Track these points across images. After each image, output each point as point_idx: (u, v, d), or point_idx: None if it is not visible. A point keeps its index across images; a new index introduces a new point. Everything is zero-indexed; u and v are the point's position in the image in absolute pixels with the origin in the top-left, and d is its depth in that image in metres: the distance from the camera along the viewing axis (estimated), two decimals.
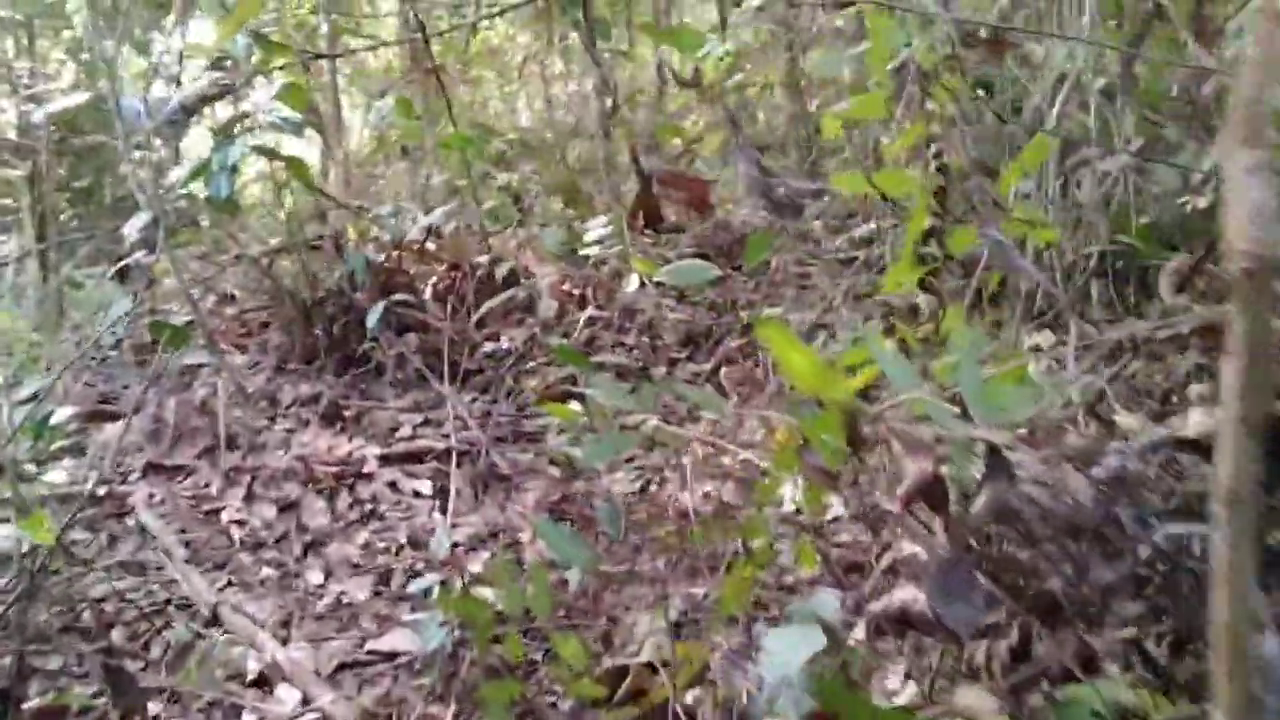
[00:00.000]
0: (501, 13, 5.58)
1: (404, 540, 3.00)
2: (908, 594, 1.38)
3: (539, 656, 2.37)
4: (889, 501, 1.44)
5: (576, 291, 4.63)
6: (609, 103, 5.58)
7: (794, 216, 2.80)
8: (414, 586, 2.49)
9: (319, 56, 4.75)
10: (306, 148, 5.77)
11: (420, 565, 2.85)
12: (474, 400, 3.94)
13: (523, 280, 4.86)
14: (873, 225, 5.50)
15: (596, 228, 4.05)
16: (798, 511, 2.97)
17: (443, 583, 2.27)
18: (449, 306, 4.26)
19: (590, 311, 4.26)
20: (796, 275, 5.10)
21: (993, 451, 1.33)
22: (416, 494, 3.28)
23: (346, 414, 3.84)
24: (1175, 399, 2.48)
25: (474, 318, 4.21)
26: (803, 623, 1.32)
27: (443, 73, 4.94)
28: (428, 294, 4.47)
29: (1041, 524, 1.21)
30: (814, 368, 1.41)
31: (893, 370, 1.41)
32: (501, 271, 4.76)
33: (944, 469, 1.35)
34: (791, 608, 1.40)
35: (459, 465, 3.35)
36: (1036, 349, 2.06)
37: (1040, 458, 1.32)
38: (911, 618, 1.38)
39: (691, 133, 5.92)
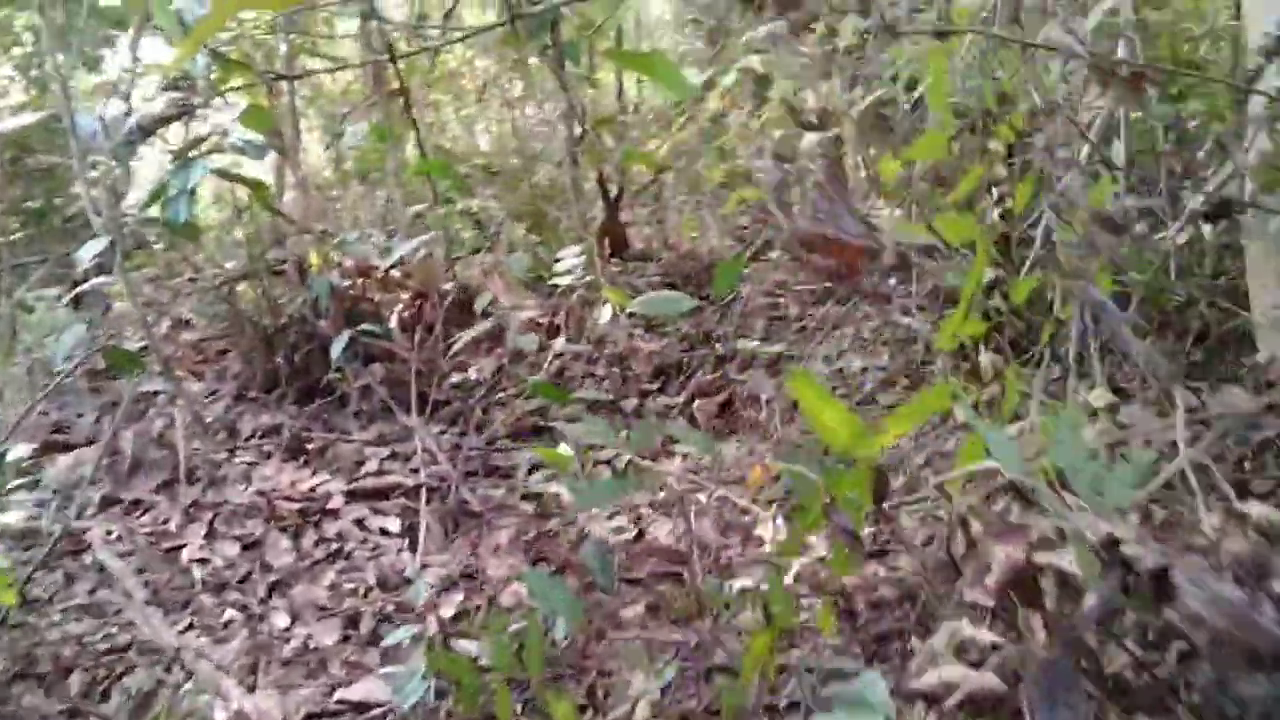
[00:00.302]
0: (469, 36, 5.52)
1: (372, 581, 2.91)
2: (955, 673, 1.32)
3: (519, 708, 2.30)
4: (975, 591, 1.38)
5: (545, 321, 4.57)
6: (577, 128, 5.54)
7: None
8: (390, 639, 2.41)
9: (280, 78, 4.66)
10: (263, 170, 5.65)
11: (390, 609, 2.76)
12: (442, 433, 3.86)
13: (490, 309, 4.80)
14: None
15: (568, 257, 3.99)
16: (797, 579, 2.92)
17: (417, 637, 2.19)
18: (415, 336, 4.18)
19: (561, 342, 4.20)
20: (766, 306, 5.08)
21: (1109, 545, 1.23)
22: (384, 532, 3.19)
23: (310, 446, 3.74)
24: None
25: (442, 348, 4.14)
26: (853, 710, 1.26)
27: (408, 96, 4.86)
28: (393, 322, 4.38)
29: (1214, 649, 1.11)
30: (846, 424, 1.37)
31: (998, 449, 1.34)
32: (468, 300, 4.70)
33: (1041, 558, 1.30)
34: (836, 691, 1.34)
35: (428, 502, 3.27)
36: (1093, 412, 2.00)
37: (1195, 565, 1.20)
38: (978, 700, 1.31)
39: (660, 160, 5.89)
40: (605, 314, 3.98)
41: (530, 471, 3.51)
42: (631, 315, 4.14)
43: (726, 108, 5.06)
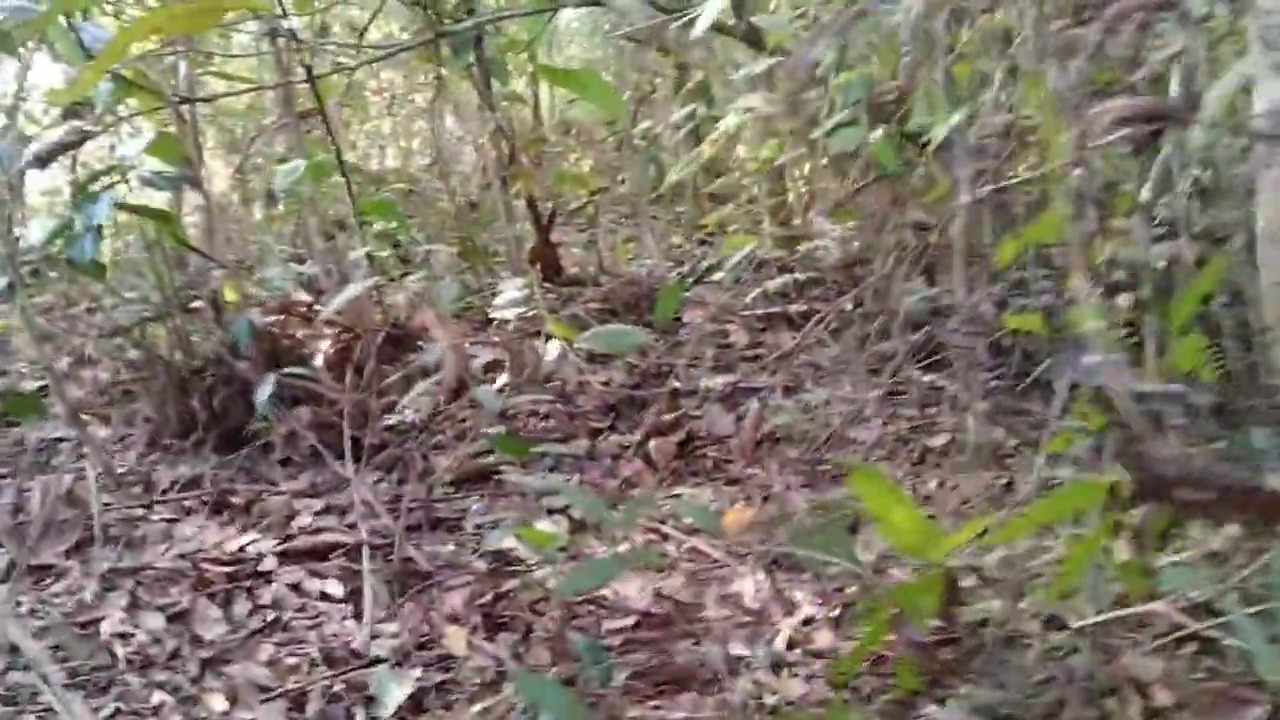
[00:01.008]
0: (391, 55, 5.31)
1: (316, 655, 2.68)
2: None
3: None
4: None
5: (483, 356, 4.37)
6: (506, 149, 5.35)
7: None
8: None
9: (187, 100, 4.40)
10: (168, 199, 5.35)
11: (339, 687, 2.54)
12: (379, 481, 3.64)
13: (421, 343, 4.58)
14: (788, 278, 5.40)
15: (509, 289, 3.81)
16: (762, 609, 2.77)
17: None
18: (345, 375, 3.94)
19: (504, 378, 4.01)
20: (713, 333, 4.94)
21: None
22: (325, 596, 2.96)
23: (235, 500, 3.49)
24: None
25: (375, 388, 3.92)
26: None
27: (327, 117, 4.62)
28: (319, 361, 4.15)
29: None
30: (917, 526, 1.22)
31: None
32: (399, 335, 4.49)
33: None
34: None
35: (370, 560, 3.05)
36: None
37: None
38: None
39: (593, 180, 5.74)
40: (552, 350, 3.80)
41: (479, 523, 3.31)
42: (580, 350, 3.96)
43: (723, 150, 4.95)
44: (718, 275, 5.62)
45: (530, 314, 3.86)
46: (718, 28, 4.70)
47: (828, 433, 3.79)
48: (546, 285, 5.60)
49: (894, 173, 4.33)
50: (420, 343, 4.57)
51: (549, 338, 3.97)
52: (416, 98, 8.51)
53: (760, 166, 5.80)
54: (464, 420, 3.98)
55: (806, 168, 6.70)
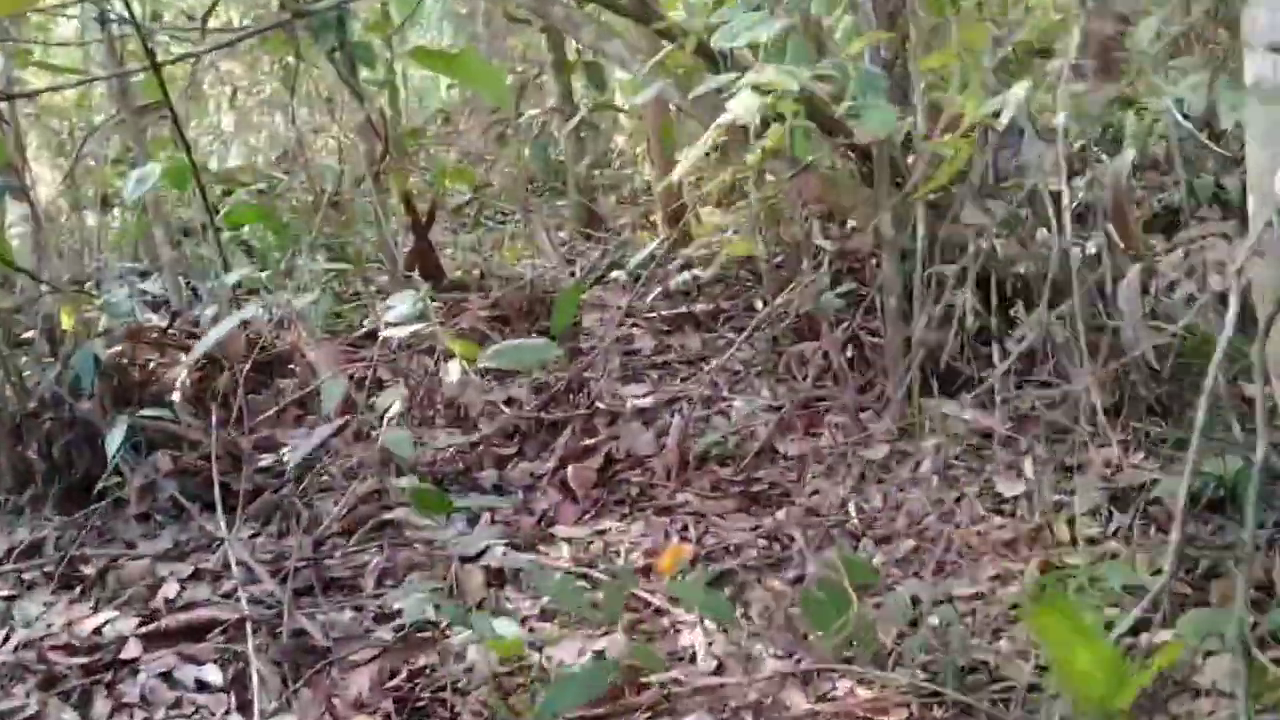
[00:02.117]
0: (241, 39, 4.85)
1: None
2: None
3: None
4: None
5: (366, 376, 3.99)
6: (378, 144, 4.95)
7: None
8: None
9: (6, 97, 3.90)
10: None
11: None
12: (256, 536, 3.24)
13: (293, 366, 4.17)
14: (688, 275, 5.14)
15: (399, 303, 3.42)
16: (719, 668, 2.48)
17: None
18: (209, 410, 3.52)
19: (396, 406, 3.63)
20: (617, 339, 4.64)
21: None
22: (202, 686, 2.56)
23: (86, 570, 3.05)
24: None
25: (245, 424, 3.51)
26: None
27: (174, 110, 4.15)
28: (177, 396, 3.70)
29: None
30: (1108, 668, 0.93)
31: None
32: (267, 359, 4.08)
33: None
34: None
35: (255, 635, 2.66)
36: None
37: None
38: None
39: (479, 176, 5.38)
40: (452, 371, 3.44)
41: (380, 580, 2.95)
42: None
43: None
44: (615, 274, 5.33)
45: (421, 329, 3.48)
46: (606, 3, 4.39)
47: (756, 446, 3.53)
48: (429, 292, 5.21)
49: (809, 164, 4.08)
50: (292, 366, 4.16)
51: (447, 357, 3.61)
52: (262, 89, 8.00)
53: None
54: (350, 455, 3.59)
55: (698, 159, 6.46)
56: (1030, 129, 2.97)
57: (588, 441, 3.60)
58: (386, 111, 4.91)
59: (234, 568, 2.93)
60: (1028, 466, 3.15)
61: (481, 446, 3.63)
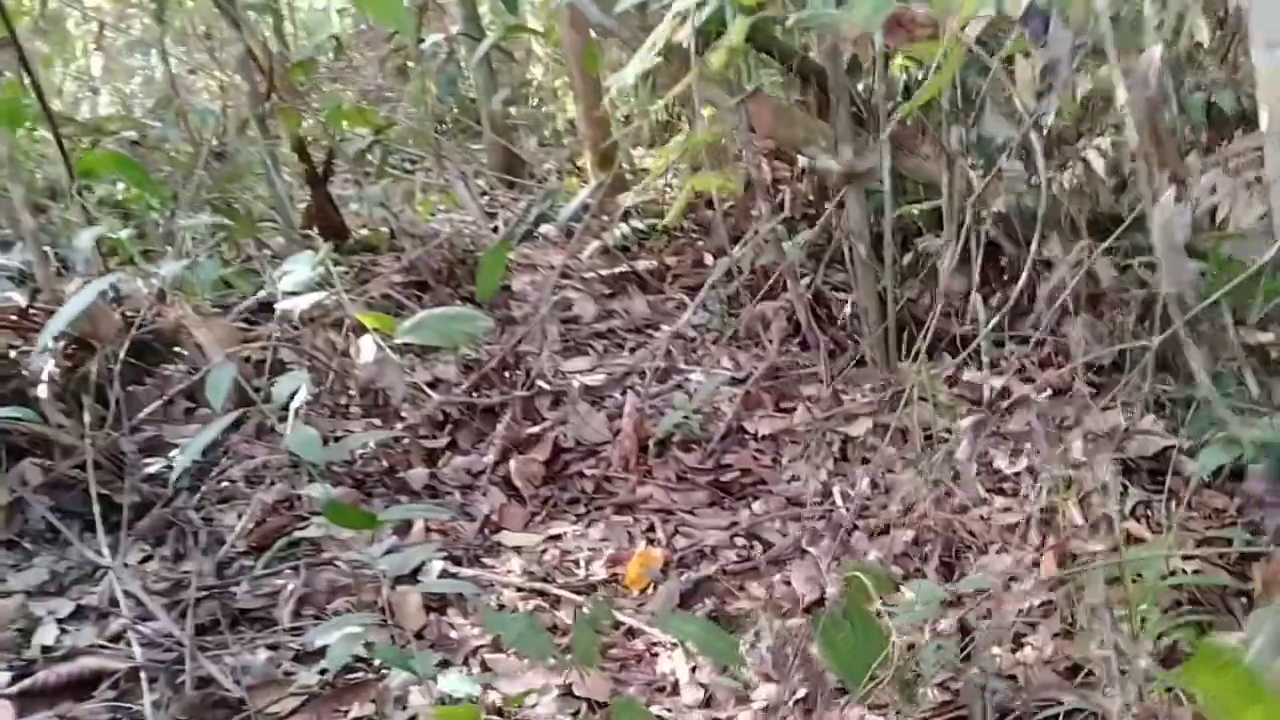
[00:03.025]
0: None
1: None
2: None
3: None
4: None
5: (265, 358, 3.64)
6: (262, 81, 4.54)
7: None
8: None
9: None
10: None
11: None
12: (147, 560, 2.90)
13: (179, 350, 3.81)
14: (626, 228, 4.84)
15: (296, 268, 3.06)
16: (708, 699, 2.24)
17: None
18: (82, 407, 3.17)
19: (302, 394, 3.30)
20: (553, 305, 4.33)
21: None
22: None
23: None
24: None
25: (126, 423, 3.16)
26: None
27: (21, 50, 3.72)
28: (43, 391, 3.32)
29: None
30: None
31: None
32: (149, 338, 3.71)
33: None
34: None
35: (152, 687, 2.35)
36: None
37: None
38: None
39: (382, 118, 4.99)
40: (365, 349, 3.11)
41: (299, 610, 2.64)
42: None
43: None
44: (545, 228, 5.01)
45: (323, 298, 3.13)
46: None
47: (723, 427, 3.26)
48: (333, 252, 4.84)
49: (755, 90, 3.80)
50: (177, 349, 3.79)
51: (358, 332, 3.28)
52: (131, 25, 7.48)
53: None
54: (253, 456, 3.26)
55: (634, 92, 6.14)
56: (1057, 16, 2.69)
57: (531, 429, 3.31)
58: (271, 44, 4.49)
59: (122, 603, 2.60)
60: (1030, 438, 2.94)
61: (407, 439, 3.32)
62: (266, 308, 4.49)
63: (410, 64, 6.17)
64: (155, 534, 2.98)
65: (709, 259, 4.55)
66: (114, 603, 2.63)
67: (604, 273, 4.51)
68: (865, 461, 2.99)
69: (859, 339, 3.60)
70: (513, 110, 6.72)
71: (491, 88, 6.00)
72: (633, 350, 4.00)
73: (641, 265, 4.53)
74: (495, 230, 4.91)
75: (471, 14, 5.94)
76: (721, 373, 3.66)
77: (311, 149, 4.98)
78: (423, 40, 4.98)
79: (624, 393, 3.65)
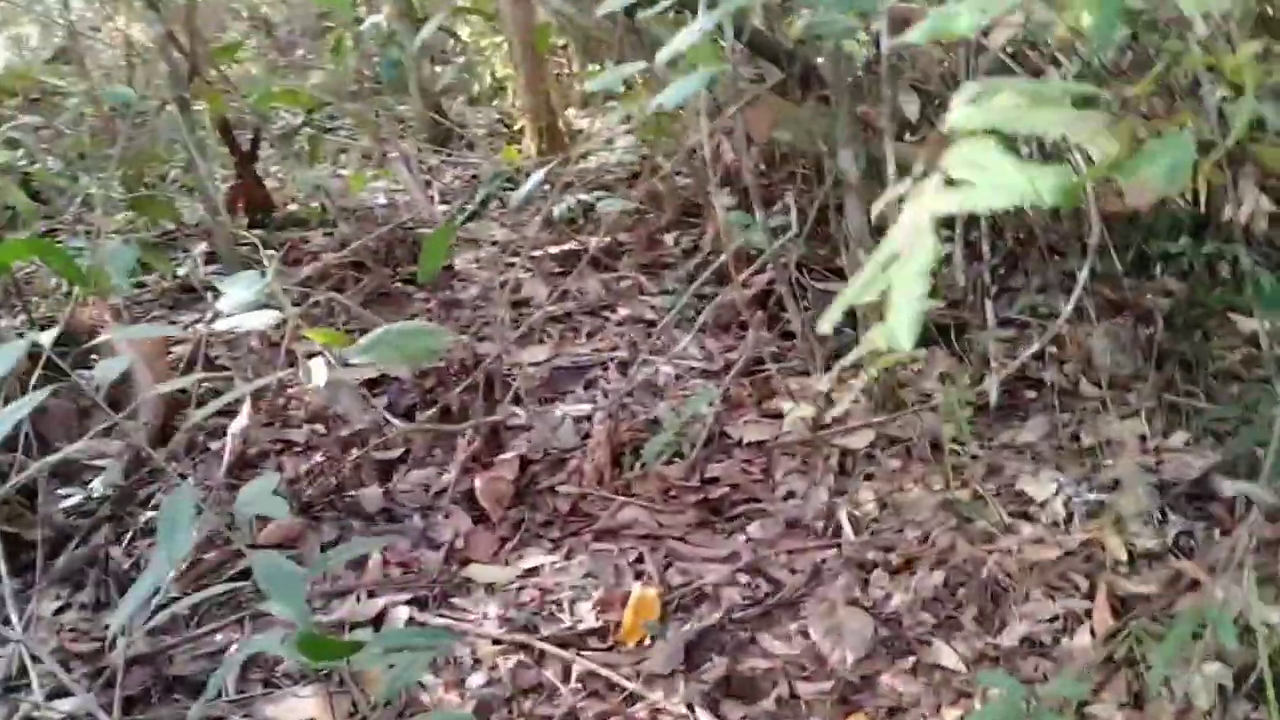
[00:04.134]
0: None
1: None
2: None
3: None
4: None
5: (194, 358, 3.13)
6: (183, 60, 3.96)
7: None
8: None
9: None
10: None
11: None
12: (63, 610, 2.41)
13: (96, 356, 3.27)
14: (572, 200, 4.37)
15: (238, 288, 2.55)
16: None
17: None
18: None
19: (242, 419, 2.81)
20: (501, 285, 3.86)
21: None
22: None
23: None
24: None
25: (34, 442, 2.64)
26: None
27: None
28: None
29: None
30: None
31: None
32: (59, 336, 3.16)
33: None
34: None
35: None
36: None
37: None
38: None
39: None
40: (317, 371, 2.63)
41: (245, 673, 2.18)
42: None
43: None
44: (488, 204, 4.52)
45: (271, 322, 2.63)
46: None
47: (704, 433, 2.84)
48: (257, 230, 4.31)
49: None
50: (94, 356, 3.26)
51: (306, 356, 2.79)
52: None
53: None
54: (185, 477, 2.77)
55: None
56: None
57: (490, 435, 2.86)
58: (192, 20, 3.91)
59: (31, 671, 2.12)
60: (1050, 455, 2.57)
61: (355, 452, 2.84)
62: (186, 291, 3.97)
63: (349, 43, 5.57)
64: (73, 577, 2.49)
65: (667, 238, 4.10)
66: (23, 671, 2.15)
67: (554, 250, 4.04)
68: (869, 478, 2.59)
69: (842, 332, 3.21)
70: (439, 70, 6.17)
71: (419, 49, 5.44)
72: (590, 335, 3.55)
73: (594, 242, 4.06)
74: (433, 201, 4.40)
75: None
76: (690, 362, 3.24)
77: (236, 128, 4.42)
78: (360, 21, 4.43)
79: (587, 386, 3.22)
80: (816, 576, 2.29)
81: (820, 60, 2.93)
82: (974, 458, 2.59)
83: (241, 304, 2.59)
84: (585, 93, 5.97)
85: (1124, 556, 2.20)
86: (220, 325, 2.61)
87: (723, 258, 3.76)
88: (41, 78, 5.98)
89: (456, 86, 6.33)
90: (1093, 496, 2.37)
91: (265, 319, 2.58)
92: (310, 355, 2.72)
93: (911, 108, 3.25)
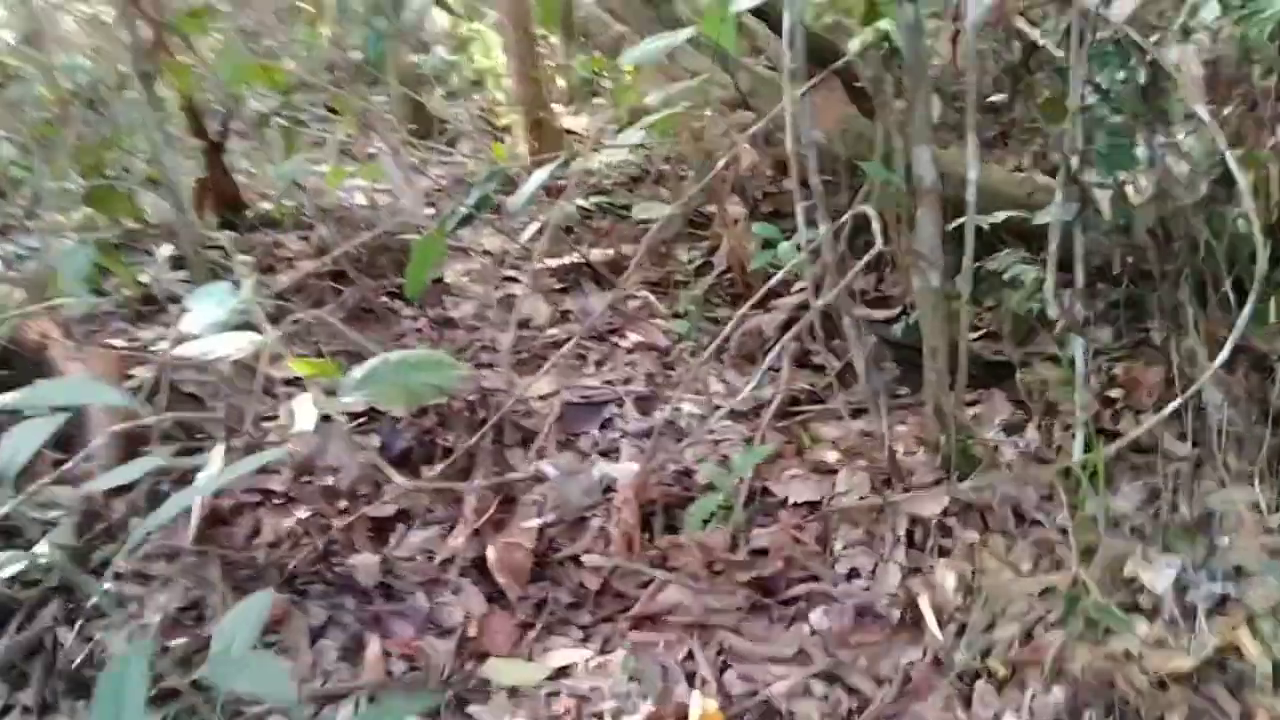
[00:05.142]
0: None
1: None
2: None
3: None
4: None
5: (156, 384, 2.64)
6: (147, 28, 3.41)
7: None
8: None
9: None
10: None
11: None
12: (5, 713, 1.92)
13: (44, 379, 2.75)
14: (570, 205, 3.88)
15: (206, 306, 2.06)
16: None
17: None
18: None
19: (215, 462, 2.32)
20: (500, 302, 3.41)
21: None
22: None
23: None
24: None
25: None
26: None
27: None
28: None
29: None
30: None
31: None
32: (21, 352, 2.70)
33: None
34: None
35: None
36: None
37: None
38: None
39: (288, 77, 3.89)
40: (304, 412, 2.15)
41: None
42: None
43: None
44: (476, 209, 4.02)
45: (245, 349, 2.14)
46: None
47: (744, 490, 2.40)
48: (229, 231, 3.80)
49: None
50: (41, 379, 2.73)
51: (285, 384, 2.31)
52: None
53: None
54: (147, 538, 2.28)
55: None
56: None
57: (496, 489, 2.40)
58: None
59: None
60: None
61: (346, 509, 2.37)
62: (148, 301, 3.44)
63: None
64: (16, 667, 1.99)
65: (679, 250, 3.65)
66: None
67: (553, 263, 3.57)
68: (944, 553, 2.17)
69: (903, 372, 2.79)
70: (418, 59, 5.63)
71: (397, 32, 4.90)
72: (599, 364, 3.10)
73: (596, 254, 3.60)
74: (425, 203, 3.90)
75: None
76: (717, 398, 2.80)
77: (202, 111, 3.87)
78: None
79: (603, 426, 2.77)
80: (907, 686, 1.87)
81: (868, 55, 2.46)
82: (1063, 531, 2.18)
83: (211, 324, 2.11)
84: (570, 85, 5.49)
85: (1268, 669, 1.80)
86: (187, 350, 2.14)
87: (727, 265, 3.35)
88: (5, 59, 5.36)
89: (436, 76, 5.80)
90: (1216, 589, 1.97)
91: (239, 343, 2.12)
92: (291, 383, 2.25)
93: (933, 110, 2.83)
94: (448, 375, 2.15)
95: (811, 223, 2.39)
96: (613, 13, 3.84)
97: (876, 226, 2.09)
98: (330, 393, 2.14)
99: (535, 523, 2.26)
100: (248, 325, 2.13)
